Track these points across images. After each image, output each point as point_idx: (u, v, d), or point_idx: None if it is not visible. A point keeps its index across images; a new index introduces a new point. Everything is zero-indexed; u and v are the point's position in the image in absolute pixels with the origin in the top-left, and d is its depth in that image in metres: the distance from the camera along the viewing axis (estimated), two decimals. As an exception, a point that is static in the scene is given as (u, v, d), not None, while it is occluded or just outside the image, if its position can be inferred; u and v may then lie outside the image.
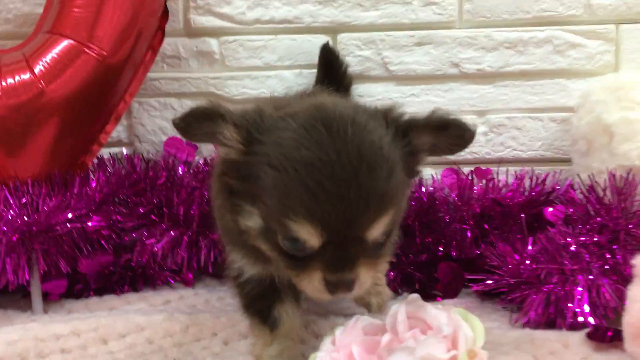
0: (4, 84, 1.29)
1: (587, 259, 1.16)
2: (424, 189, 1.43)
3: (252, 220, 0.85)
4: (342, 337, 0.83)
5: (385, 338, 0.82)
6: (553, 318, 1.15)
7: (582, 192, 1.29)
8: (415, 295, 0.86)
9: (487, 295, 1.32)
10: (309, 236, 0.79)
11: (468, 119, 1.56)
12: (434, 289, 1.38)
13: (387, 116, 0.85)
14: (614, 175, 1.24)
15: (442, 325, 0.79)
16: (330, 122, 0.79)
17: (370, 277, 0.84)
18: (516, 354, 1.03)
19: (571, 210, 1.26)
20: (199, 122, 0.83)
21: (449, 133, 0.85)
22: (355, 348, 0.82)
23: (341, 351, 0.81)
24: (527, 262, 1.21)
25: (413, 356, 0.74)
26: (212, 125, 0.82)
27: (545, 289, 1.17)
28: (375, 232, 0.80)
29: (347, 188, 0.76)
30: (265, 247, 0.87)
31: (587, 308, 1.13)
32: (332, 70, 1.51)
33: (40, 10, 1.44)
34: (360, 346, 0.82)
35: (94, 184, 1.36)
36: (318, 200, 0.76)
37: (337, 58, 1.53)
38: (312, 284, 0.82)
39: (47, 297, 1.34)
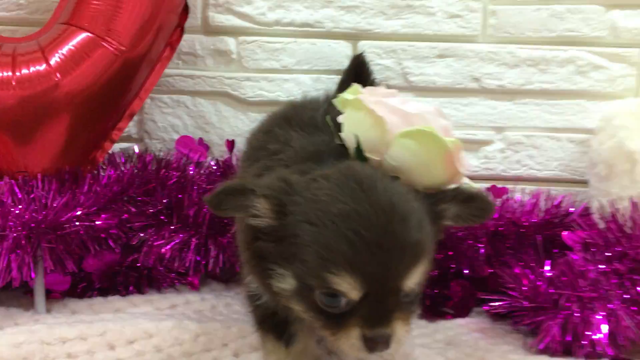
0: (18, 73, 1.25)
1: (607, 287, 1.15)
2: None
3: (286, 282, 0.86)
4: None
5: None
6: (569, 346, 1.14)
7: (602, 218, 1.27)
8: None
9: (499, 316, 1.30)
10: (350, 288, 0.81)
11: (486, 134, 1.55)
12: (445, 306, 1.37)
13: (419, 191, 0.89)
14: (635, 204, 1.22)
15: None
16: (361, 179, 0.84)
17: (405, 332, 0.85)
18: (535, 382, 1.01)
19: (591, 235, 1.24)
20: (231, 197, 0.86)
21: (473, 205, 0.90)
22: None
23: None
24: (544, 285, 1.20)
25: None
26: (243, 199, 0.85)
27: (561, 315, 1.16)
28: (411, 281, 0.83)
29: (383, 236, 0.80)
30: (299, 308, 0.88)
31: (605, 335, 1.11)
32: (359, 80, 1.48)
33: (54, -2, 1.40)
34: None
35: (104, 182, 1.33)
36: (357, 250, 0.79)
37: (368, 71, 1.50)
38: (350, 342, 0.83)
39: (49, 295, 1.30)
